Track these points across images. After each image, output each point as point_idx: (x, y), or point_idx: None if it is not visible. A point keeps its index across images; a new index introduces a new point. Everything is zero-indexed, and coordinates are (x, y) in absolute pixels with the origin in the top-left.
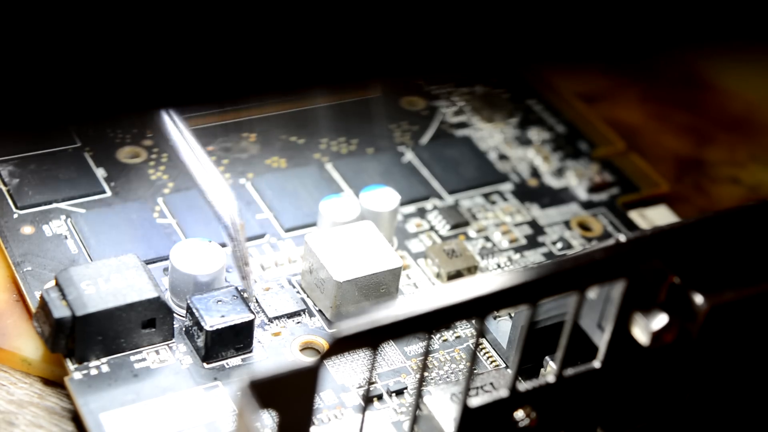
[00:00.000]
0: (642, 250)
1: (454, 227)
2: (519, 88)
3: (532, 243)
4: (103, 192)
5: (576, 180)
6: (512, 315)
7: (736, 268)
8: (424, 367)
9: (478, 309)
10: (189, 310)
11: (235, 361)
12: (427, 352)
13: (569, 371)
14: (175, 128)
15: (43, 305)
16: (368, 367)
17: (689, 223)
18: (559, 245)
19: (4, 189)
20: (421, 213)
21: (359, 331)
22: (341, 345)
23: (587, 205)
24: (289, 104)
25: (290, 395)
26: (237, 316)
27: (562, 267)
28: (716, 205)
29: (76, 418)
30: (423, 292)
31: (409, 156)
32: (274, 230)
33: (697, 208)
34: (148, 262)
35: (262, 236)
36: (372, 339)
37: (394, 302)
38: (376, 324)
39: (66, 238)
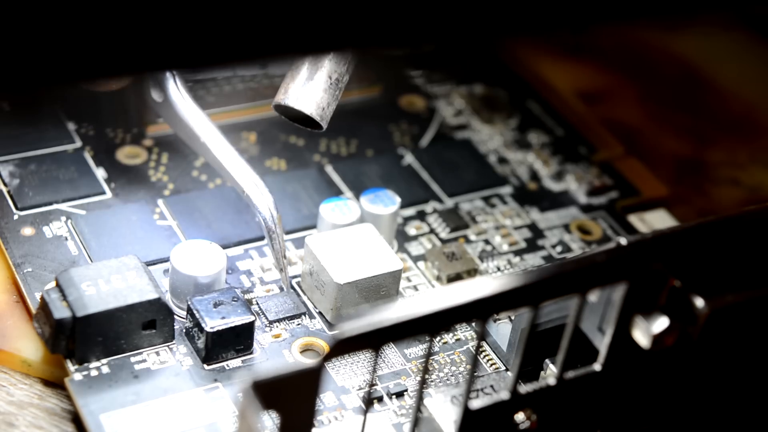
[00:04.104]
0: (643, 253)
1: (453, 230)
2: (518, 89)
3: (532, 246)
4: (103, 193)
5: (575, 183)
6: (512, 318)
7: (736, 272)
8: (426, 370)
9: (481, 311)
10: (189, 311)
11: (235, 362)
12: (428, 354)
13: (570, 374)
14: (196, 116)
15: (44, 306)
16: (369, 369)
17: (690, 227)
18: (559, 248)
19: (4, 190)
20: (421, 216)
21: (361, 333)
22: (343, 346)
23: (586, 209)
24: None
25: (292, 396)
26: (237, 317)
27: (563, 270)
28: (716, 207)
29: (76, 419)
30: (425, 293)
31: (409, 159)
32: None
33: (697, 210)
34: (149, 264)
35: (262, 238)
36: (374, 341)
37: (396, 304)
38: (378, 326)
39: (66, 239)
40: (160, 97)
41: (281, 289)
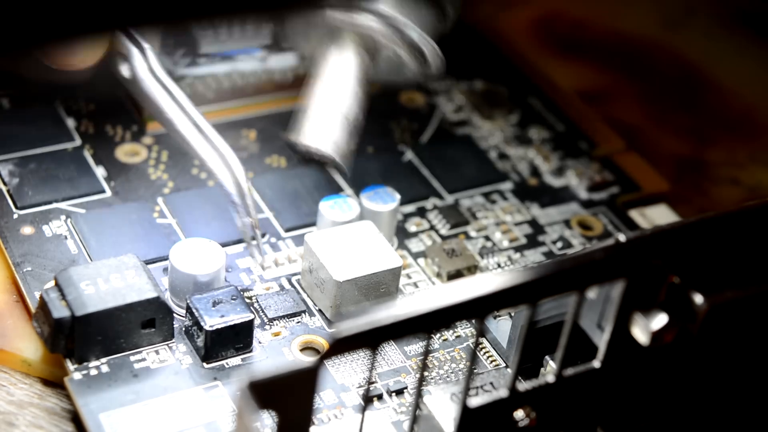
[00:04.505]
0: (642, 249)
1: (454, 226)
2: (519, 85)
3: (532, 242)
4: (103, 192)
5: (576, 179)
6: (512, 314)
7: (735, 269)
8: (424, 367)
9: (478, 309)
10: (189, 310)
11: (234, 360)
12: (426, 352)
13: (569, 371)
14: (161, 87)
15: (43, 305)
16: (368, 366)
17: (689, 223)
18: (559, 244)
19: (4, 189)
20: (421, 212)
21: (359, 332)
22: (341, 345)
23: (587, 204)
24: (289, 102)
25: (290, 396)
26: (236, 316)
27: (561, 267)
28: (716, 206)
29: (76, 419)
30: (423, 292)
31: (409, 155)
32: (274, 230)
33: (697, 209)
34: (148, 262)
35: (262, 236)
36: (372, 339)
37: (394, 302)
38: (375, 324)
39: (66, 238)
40: (128, 73)
41: (281, 287)
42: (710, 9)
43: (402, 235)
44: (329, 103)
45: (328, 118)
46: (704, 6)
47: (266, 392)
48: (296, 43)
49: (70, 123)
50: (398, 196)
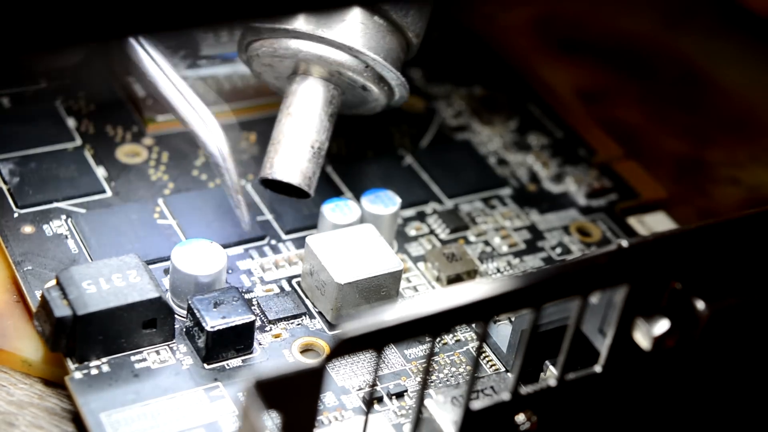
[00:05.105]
0: (644, 255)
1: (453, 231)
2: (518, 91)
3: (531, 248)
4: (104, 192)
5: (575, 185)
6: (512, 319)
7: (737, 275)
8: (427, 371)
9: (483, 312)
10: (190, 310)
11: (235, 362)
12: (430, 355)
13: (571, 375)
14: (146, 54)
15: (44, 304)
16: (371, 369)
17: (691, 230)
18: (558, 250)
19: (4, 188)
20: (421, 217)
21: (365, 333)
22: (346, 346)
23: (586, 211)
24: None
25: (295, 396)
26: (238, 317)
27: (565, 271)
28: (716, 206)
29: (76, 419)
30: (428, 294)
31: (409, 160)
32: (274, 232)
33: (697, 209)
34: (148, 263)
35: (262, 238)
36: (377, 341)
37: (399, 305)
38: (381, 326)
39: (66, 237)
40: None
41: (281, 288)
42: (710, 9)
43: (402, 239)
44: (297, 135)
45: (296, 150)
46: (704, 6)
47: (272, 392)
48: (263, 74)
49: (71, 123)
50: (399, 200)
